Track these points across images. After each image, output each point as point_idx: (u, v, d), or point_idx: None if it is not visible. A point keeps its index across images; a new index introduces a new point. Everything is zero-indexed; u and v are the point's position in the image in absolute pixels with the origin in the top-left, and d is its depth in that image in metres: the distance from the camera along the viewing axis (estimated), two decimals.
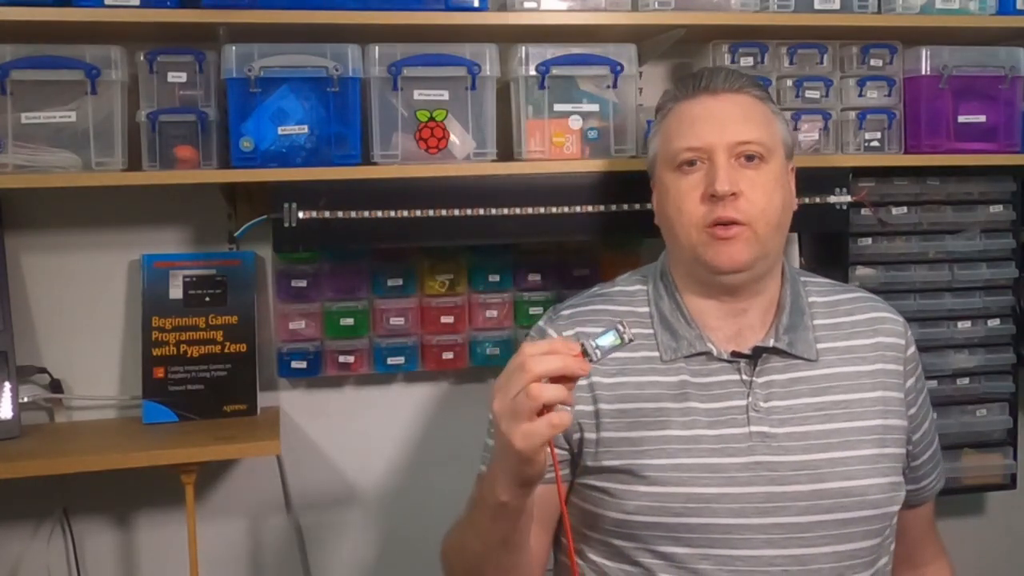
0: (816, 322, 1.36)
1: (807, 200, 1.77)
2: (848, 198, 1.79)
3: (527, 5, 1.66)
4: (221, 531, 1.89)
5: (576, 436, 1.31)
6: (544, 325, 1.40)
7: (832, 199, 1.78)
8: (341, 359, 1.85)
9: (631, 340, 1.08)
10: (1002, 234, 1.92)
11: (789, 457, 1.27)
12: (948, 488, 1.95)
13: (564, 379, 1.06)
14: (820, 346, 1.34)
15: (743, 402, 1.29)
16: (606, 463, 1.29)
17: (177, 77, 1.63)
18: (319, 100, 1.63)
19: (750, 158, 1.30)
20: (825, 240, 1.93)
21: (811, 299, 1.39)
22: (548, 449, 1.08)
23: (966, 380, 1.92)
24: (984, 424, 1.94)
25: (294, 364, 1.83)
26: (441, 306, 1.87)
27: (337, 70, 1.62)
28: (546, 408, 1.04)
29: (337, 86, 1.63)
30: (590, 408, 1.31)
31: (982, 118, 1.85)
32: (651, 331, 1.34)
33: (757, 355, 1.31)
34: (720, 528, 1.25)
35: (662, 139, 1.37)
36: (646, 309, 1.37)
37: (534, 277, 1.90)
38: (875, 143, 1.82)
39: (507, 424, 1.06)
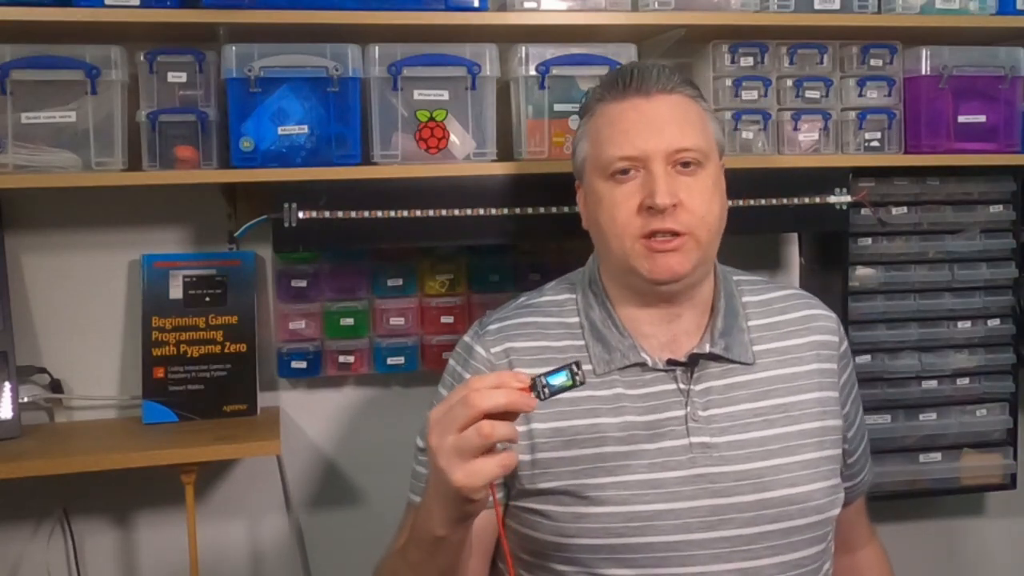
0: (751, 323, 1.31)
1: (807, 200, 1.77)
2: (848, 198, 1.79)
3: (527, 5, 1.66)
4: (221, 531, 1.89)
5: None
6: (471, 341, 1.32)
7: (832, 199, 1.79)
8: (341, 359, 1.85)
9: (583, 383, 1.02)
10: (1002, 234, 1.92)
11: (731, 467, 1.23)
12: (948, 488, 1.96)
13: (507, 413, 0.99)
14: (756, 348, 1.29)
15: (681, 412, 1.24)
16: (543, 485, 1.23)
17: (177, 77, 1.63)
18: (319, 100, 1.63)
19: (686, 164, 1.23)
20: (825, 240, 1.93)
21: (744, 299, 1.34)
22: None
23: (966, 380, 1.92)
24: (984, 424, 1.94)
25: (294, 364, 1.83)
26: (441, 306, 1.87)
27: (337, 70, 1.62)
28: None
29: (337, 86, 1.62)
30: (523, 428, 1.23)
31: (982, 118, 1.85)
32: (583, 343, 1.28)
33: (693, 362, 1.26)
34: (664, 546, 1.20)
35: (592, 144, 1.28)
36: (576, 319, 1.31)
37: (534, 277, 1.89)
38: (875, 143, 1.82)
39: (448, 461, 0.98)
